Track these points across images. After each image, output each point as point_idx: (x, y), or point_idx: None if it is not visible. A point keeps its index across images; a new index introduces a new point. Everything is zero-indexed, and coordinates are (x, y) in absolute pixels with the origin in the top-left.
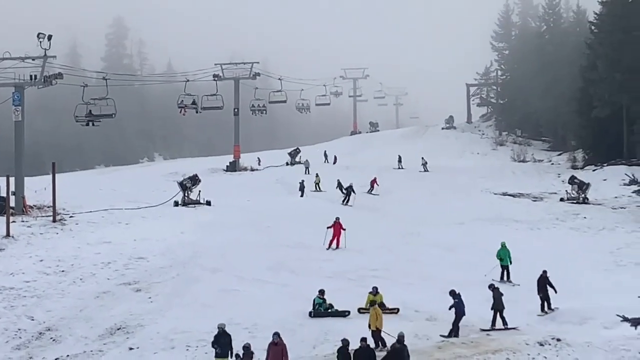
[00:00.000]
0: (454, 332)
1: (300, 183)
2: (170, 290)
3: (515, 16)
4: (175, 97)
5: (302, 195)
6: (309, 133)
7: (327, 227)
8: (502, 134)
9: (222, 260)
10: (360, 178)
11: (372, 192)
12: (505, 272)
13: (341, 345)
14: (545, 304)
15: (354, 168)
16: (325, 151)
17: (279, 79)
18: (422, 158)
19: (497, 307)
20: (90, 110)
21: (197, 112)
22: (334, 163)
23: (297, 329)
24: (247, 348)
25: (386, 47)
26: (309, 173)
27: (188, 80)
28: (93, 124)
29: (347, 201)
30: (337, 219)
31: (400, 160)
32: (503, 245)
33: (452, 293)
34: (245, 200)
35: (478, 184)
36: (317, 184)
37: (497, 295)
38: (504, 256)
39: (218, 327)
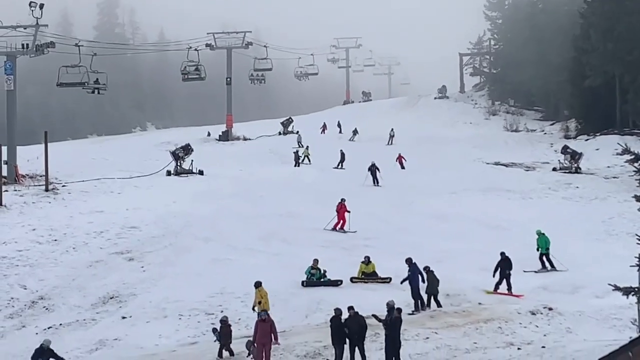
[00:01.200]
0: (420, 306)
1: (294, 153)
2: (162, 260)
3: None
4: (167, 66)
5: (296, 165)
6: (301, 103)
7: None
8: (495, 104)
9: (215, 229)
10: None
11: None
12: (545, 260)
13: (334, 314)
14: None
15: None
16: (339, 121)
17: (265, 46)
18: (392, 129)
19: (431, 290)
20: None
21: (201, 78)
22: (340, 132)
23: (289, 299)
24: (224, 322)
25: (379, 17)
26: (301, 146)
27: (190, 48)
28: (94, 91)
29: (377, 182)
30: (343, 200)
31: (392, 135)
32: (539, 233)
33: (408, 261)
34: (238, 170)
35: (470, 153)
36: (306, 156)
37: (431, 278)
38: (542, 244)
39: (42, 344)
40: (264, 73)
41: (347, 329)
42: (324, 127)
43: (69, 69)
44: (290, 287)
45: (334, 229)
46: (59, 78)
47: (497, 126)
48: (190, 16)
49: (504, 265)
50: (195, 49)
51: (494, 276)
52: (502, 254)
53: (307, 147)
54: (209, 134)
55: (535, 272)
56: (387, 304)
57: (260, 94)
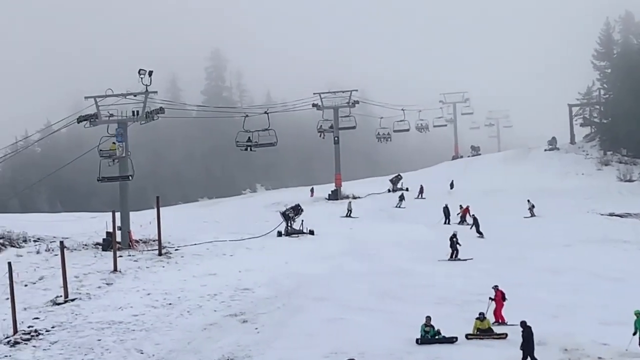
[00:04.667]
0: None
1: (443, 208)
2: (276, 321)
3: (617, 34)
4: (274, 127)
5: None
6: (407, 159)
7: (490, 299)
8: (607, 154)
9: (327, 289)
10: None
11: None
12: None
13: None
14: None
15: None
16: (452, 181)
17: (402, 109)
18: (529, 201)
19: (527, 348)
20: (249, 138)
21: (334, 136)
22: (451, 188)
23: (404, 357)
24: None
25: (485, 70)
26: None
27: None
28: (251, 150)
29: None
30: (496, 287)
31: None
32: (637, 314)
33: (523, 324)
34: (348, 228)
35: (583, 204)
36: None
37: (526, 334)
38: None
39: None
40: (390, 132)
41: None
42: (421, 190)
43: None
44: (405, 345)
45: (497, 321)
46: (236, 141)
47: (609, 176)
48: (296, 77)
49: None
50: (298, 109)
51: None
52: (523, 322)
53: (350, 201)
54: (312, 191)
55: None
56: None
57: (367, 152)
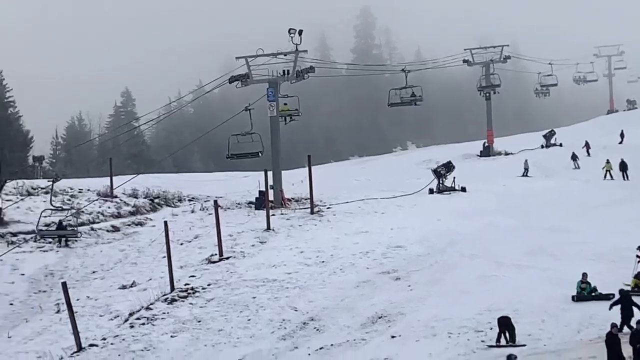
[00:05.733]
0: None
1: (620, 163)
2: (428, 278)
3: None
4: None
5: (525, 175)
6: (560, 114)
7: (637, 257)
8: None
9: (479, 246)
10: None
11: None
12: None
13: (609, 330)
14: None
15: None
16: (622, 130)
17: (549, 63)
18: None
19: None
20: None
21: (494, 92)
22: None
23: (559, 314)
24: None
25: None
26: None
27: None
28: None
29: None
30: None
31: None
32: None
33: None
34: (501, 185)
35: None
36: (608, 170)
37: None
38: None
39: None
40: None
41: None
42: (587, 145)
43: (397, 91)
44: (560, 302)
45: None
46: (389, 99)
47: None
48: (446, 33)
49: None
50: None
51: None
52: None
53: (607, 160)
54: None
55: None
56: None
57: (519, 107)
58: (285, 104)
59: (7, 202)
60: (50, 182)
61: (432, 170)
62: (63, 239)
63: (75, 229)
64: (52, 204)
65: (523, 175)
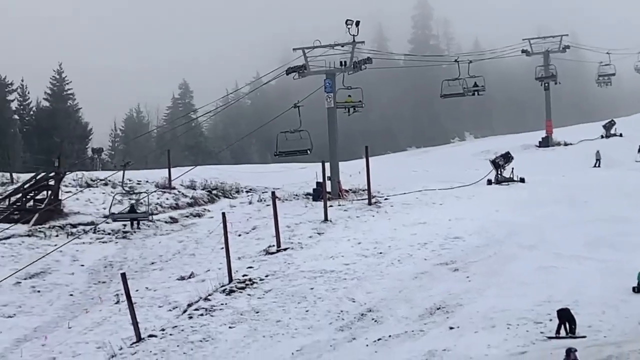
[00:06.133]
0: None
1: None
2: (487, 269)
3: None
4: (483, 73)
5: (597, 165)
6: (621, 104)
7: None
8: None
9: (539, 237)
10: None
11: None
12: None
13: None
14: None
15: None
16: None
17: (607, 53)
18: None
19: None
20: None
21: (555, 83)
22: None
23: (620, 305)
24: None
25: None
26: None
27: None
28: (474, 94)
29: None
30: None
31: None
32: None
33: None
34: (560, 176)
35: None
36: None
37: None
38: None
39: None
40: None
41: None
42: None
43: (458, 81)
44: (620, 293)
45: None
46: (442, 90)
47: None
48: (504, 23)
49: None
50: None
51: None
52: None
53: None
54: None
55: None
56: None
57: (579, 97)
58: (349, 95)
59: (66, 193)
60: (121, 168)
61: (490, 161)
62: (135, 222)
63: (148, 211)
64: (123, 188)
65: (595, 166)
